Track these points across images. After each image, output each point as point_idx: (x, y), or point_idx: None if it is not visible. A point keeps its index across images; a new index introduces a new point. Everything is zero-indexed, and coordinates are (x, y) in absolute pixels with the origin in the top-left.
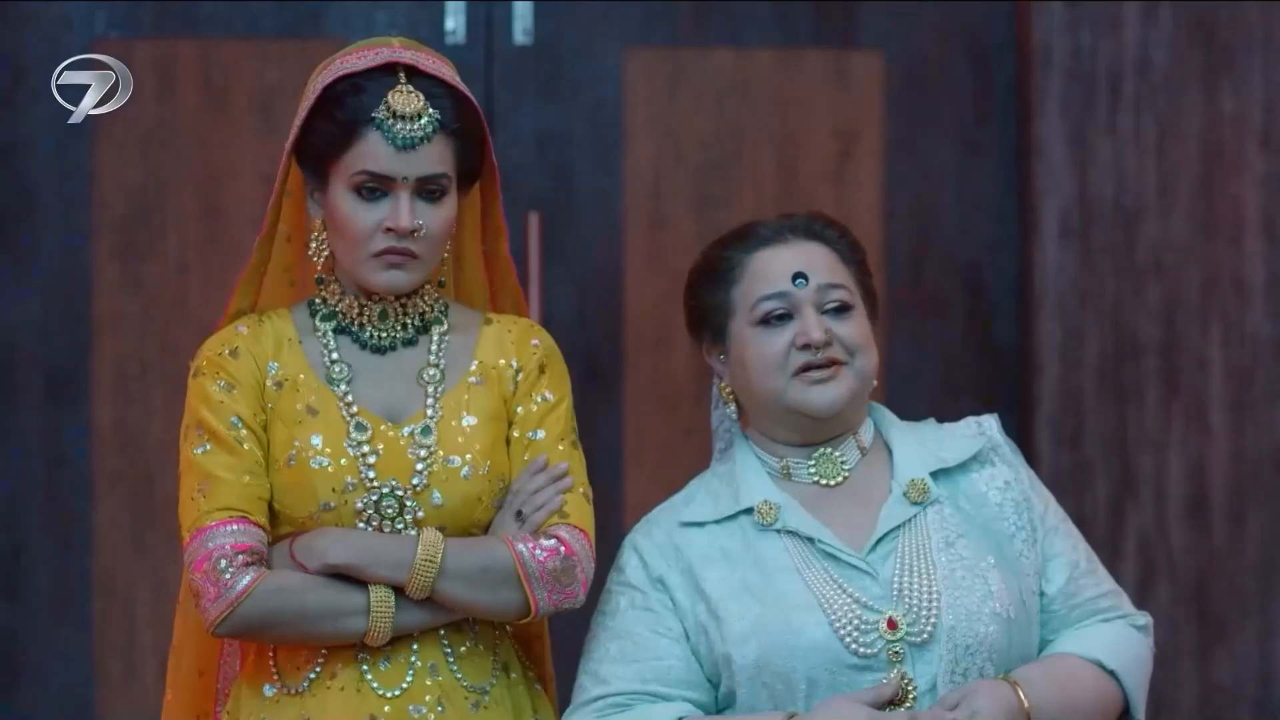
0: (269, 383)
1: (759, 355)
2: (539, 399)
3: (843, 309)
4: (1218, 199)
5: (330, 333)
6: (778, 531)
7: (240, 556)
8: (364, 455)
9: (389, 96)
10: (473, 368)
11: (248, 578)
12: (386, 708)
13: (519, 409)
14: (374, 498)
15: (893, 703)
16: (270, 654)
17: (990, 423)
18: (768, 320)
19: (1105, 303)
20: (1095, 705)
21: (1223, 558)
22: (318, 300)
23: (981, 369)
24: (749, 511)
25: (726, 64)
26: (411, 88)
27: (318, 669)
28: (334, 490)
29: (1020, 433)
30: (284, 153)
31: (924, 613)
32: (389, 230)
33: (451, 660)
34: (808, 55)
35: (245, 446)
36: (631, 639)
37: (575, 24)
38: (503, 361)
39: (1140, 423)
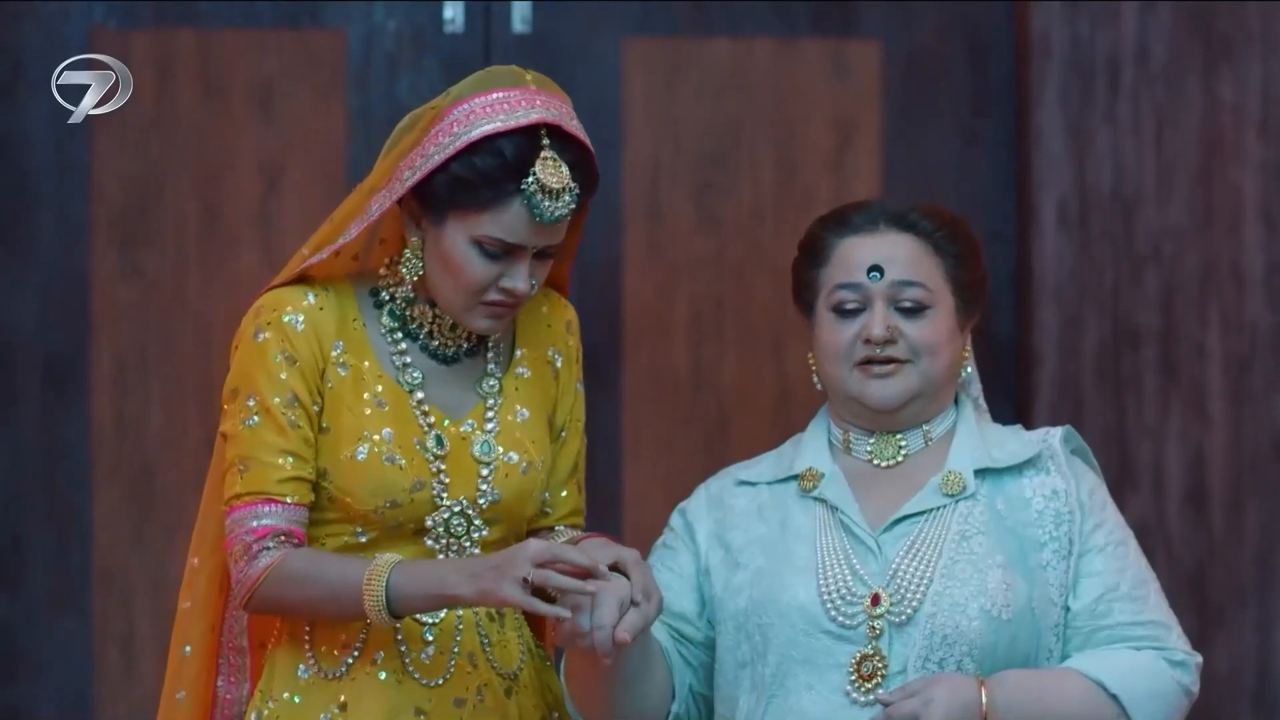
0: (334, 361)
1: (828, 341)
2: (577, 387)
3: (916, 310)
4: (1216, 188)
5: (398, 332)
6: (814, 499)
7: (260, 542)
8: (440, 472)
9: (537, 167)
10: (518, 356)
11: (262, 563)
12: (430, 700)
13: (561, 399)
14: (444, 515)
15: (865, 679)
16: (306, 635)
17: (1056, 433)
18: (840, 309)
19: (1104, 292)
20: None
21: (1221, 547)
22: (384, 294)
23: (980, 358)
24: (798, 477)
25: (725, 55)
26: (555, 155)
27: (356, 653)
28: (403, 488)
29: (1019, 422)
30: (400, 182)
31: (909, 595)
32: (504, 289)
33: (488, 648)
34: (806, 46)
35: (297, 427)
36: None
37: (574, 14)
38: (548, 352)
39: (1139, 412)
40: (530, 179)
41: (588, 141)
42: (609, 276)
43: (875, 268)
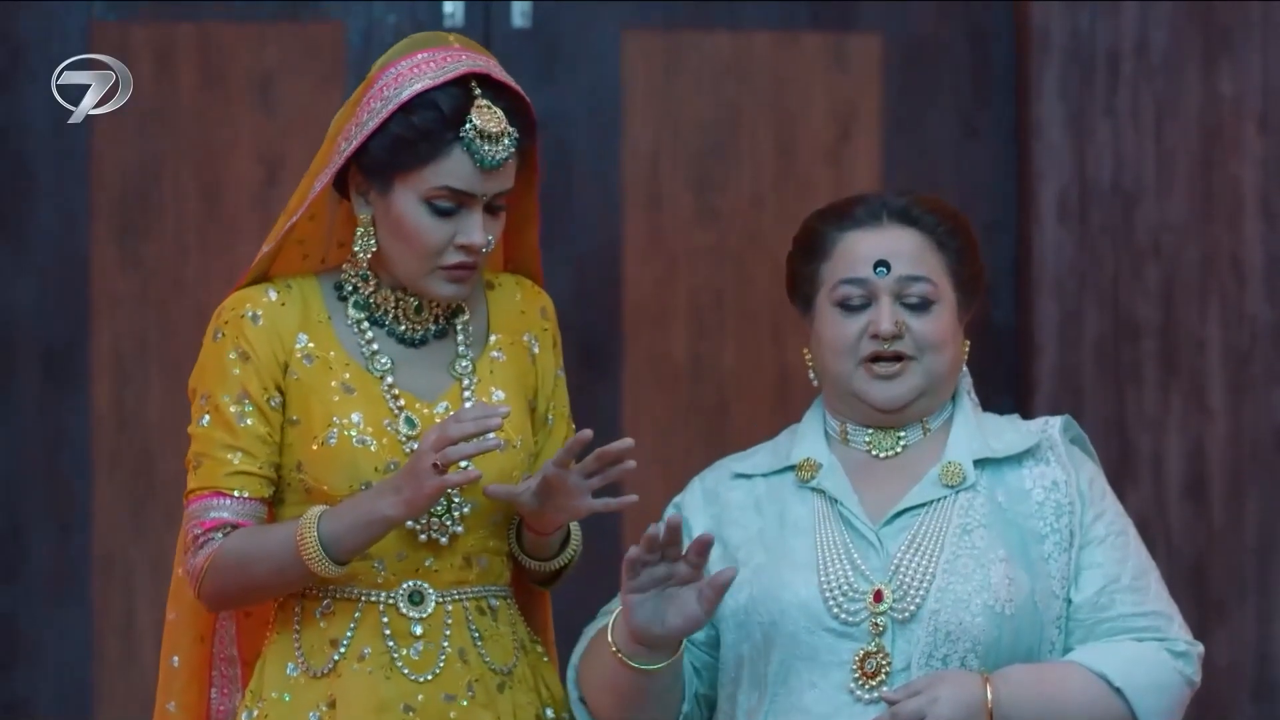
0: (298, 354)
1: (832, 336)
2: (558, 374)
3: (922, 305)
4: (1216, 180)
5: (364, 321)
6: (812, 490)
7: (206, 534)
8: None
9: (473, 115)
10: (492, 341)
11: (202, 556)
12: (420, 696)
13: (540, 386)
14: None
15: (869, 676)
16: (295, 633)
17: (1055, 422)
18: (845, 305)
19: (1104, 284)
20: (1082, 718)
21: (1221, 538)
22: (348, 286)
23: (980, 350)
24: (795, 468)
25: (725, 46)
26: (490, 103)
27: (343, 649)
28: (376, 470)
29: (1019, 413)
30: (338, 154)
31: (912, 591)
32: (461, 247)
33: (479, 643)
34: (806, 37)
35: (247, 423)
36: None
37: (573, 7)
38: (523, 337)
39: (1139, 403)
40: (468, 125)
41: (519, 89)
42: (609, 266)
43: (882, 263)
